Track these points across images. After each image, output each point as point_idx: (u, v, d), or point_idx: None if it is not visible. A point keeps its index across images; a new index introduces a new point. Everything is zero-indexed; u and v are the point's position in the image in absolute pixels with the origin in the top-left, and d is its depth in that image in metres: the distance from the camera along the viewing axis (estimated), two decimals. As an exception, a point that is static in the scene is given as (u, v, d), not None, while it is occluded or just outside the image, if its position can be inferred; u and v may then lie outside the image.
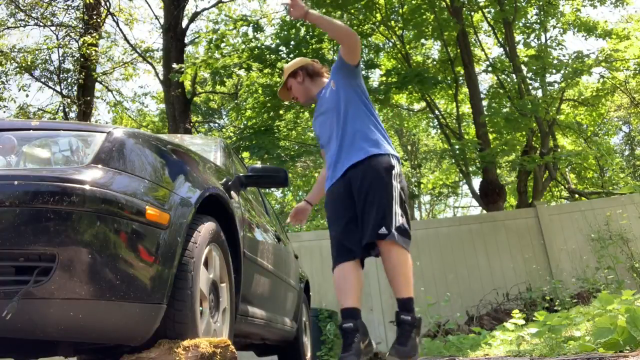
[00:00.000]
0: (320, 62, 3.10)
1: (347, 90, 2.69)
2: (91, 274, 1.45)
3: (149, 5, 15.66)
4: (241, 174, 2.82)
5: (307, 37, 8.85)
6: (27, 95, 28.09)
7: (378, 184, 2.48)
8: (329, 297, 6.66)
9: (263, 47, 8.59)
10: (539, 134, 9.34)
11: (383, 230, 2.37)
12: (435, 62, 10.56)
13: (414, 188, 17.28)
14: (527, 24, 9.90)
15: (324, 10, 9.16)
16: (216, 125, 17.14)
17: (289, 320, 3.71)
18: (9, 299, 1.38)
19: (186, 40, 11.24)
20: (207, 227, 1.96)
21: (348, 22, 9.42)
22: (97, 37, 11.40)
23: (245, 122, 9.92)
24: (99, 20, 11.94)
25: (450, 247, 6.99)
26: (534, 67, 8.61)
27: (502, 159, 11.35)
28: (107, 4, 12.14)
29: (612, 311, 2.63)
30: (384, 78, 9.44)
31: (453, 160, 9.44)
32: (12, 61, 11.59)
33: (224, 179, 2.45)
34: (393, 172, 2.53)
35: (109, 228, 1.50)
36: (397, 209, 2.46)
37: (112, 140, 1.70)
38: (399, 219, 2.44)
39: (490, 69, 9.74)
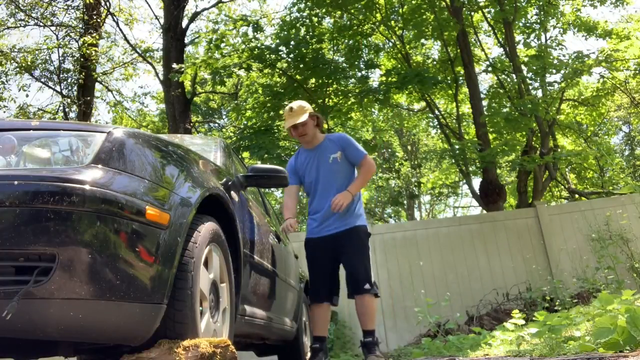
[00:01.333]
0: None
1: (349, 169, 3.51)
2: (91, 274, 1.45)
3: (149, 5, 15.67)
4: (241, 174, 2.81)
5: (307, 37, 8.85)
6: (27, 95, 28.11)
7: (362, 249, 3.37)
8: (329, 297, 6.66)
9: (263, 47, 8.58)
10: (539, 134, 9.33)
11: (367, 285, 3.29)
12: (435, 62, 10.56)
13: (414, 188, 17.30)
14: (527, 24, 9.90)
15: (323, 10, 9.17)
16: (216, 125, 17.14)
17: (289, 320, 3.71)
18: (9, 299, 1.38)
19: (186, 40, 11.24)
20: (207, 227, 1.96)
21: (348, 22, 9.42)
22: (97, 37, 11.39)
23: (245, 122, 9.91)
24: (99, 20, 11.94)
25: (450, 247, 6.99)
26: (534, 67, 8.61)
27: (502, 159, 11.34)
28: (107, 4, 12.14)
29: (612, 311, 2.63)
30: (383, 78, 9.43)
31: (453, 160, 9.43)
32: (12, 61, 11.59)
33: (224, 179, 2.45)
34: (369, 238, 3.48)
35: (109, 228, 1.50)
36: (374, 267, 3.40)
37: (112, 140, 1.70)
38: (373, 275, 3.38)
39: (490, 69, 9.73)
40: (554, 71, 8.80)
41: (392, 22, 9.66)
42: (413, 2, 9.26)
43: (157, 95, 15.36)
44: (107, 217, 1.50)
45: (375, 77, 11.36)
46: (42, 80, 12.06)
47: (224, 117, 17.46)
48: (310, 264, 3.52)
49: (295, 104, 3.54)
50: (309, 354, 4.38)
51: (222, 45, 8.71)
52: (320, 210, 3.45)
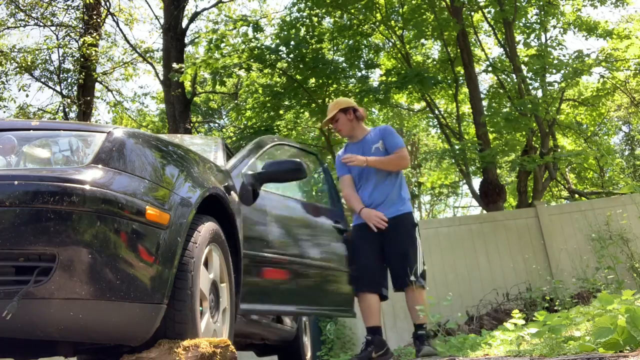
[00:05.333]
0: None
1: None
2: (91, 274, 1.45)
3: (149, 5, 15.71)
4: (252, 172, 2.73)
5: (307, 37, 8.84)
6: (27, 95, 28.16)
7: (405, 240, 3.32)
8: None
9: (263, 47, 8.58)
10: (539, 134, 9.32)
11: (412, 278, 3.23)
12: (435, 62, 10.55)
13: (414, 188, 17.29)
14: (527, 24, 9.88)
15: (323, 10, 9.17)
16: (216, 125, 17.14)
17: (289, 320, 3.71)
18: (9, 299, 1.38)
19: (186, 40, 11.24)
20: (207, 227, 1.96)
21: (348, 22, 9.42)
22: (97, 37, 11.39)
23: (245, 122, 9.91)
24: (99, 20, 11.94)
25: (450, 247, 6.98)
26: (534, 67, 8.60)
27: (502, 159, 11.34)
28: (107, 4, 12.14)
29: (612, 311, 2.63)
30: (384, 78, 9.43)
31: (453, 160, 9.43)
32: (12, 61, 11.59)
33: (226, 179, 2.45)
34: (417, 227, 3.42)
35: (109, 228, 1.50)
36: (421, 258, 3.37)
37: (112, 140, 1.70)
38: (421, 266, 3.34)
39: (490, 69, 9.72)
40: (554, 71, 8.79)
41: (392, 22, 9.65)
42: (413, 2, 9.25)
43: (157, 95, 15.36)
44: (107, 217, 1.51)
45: (375, 77, 11.34)
46: (42, 80, 12.06)
47: (224, 117, 17.46)
48: (355, 252, 3.45)
49: (332, 102, 3.65)
50: (309, 354, 4.38)
51: (222, 45, 8.70)
52: (367, 195, 3.45)
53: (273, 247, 2.78)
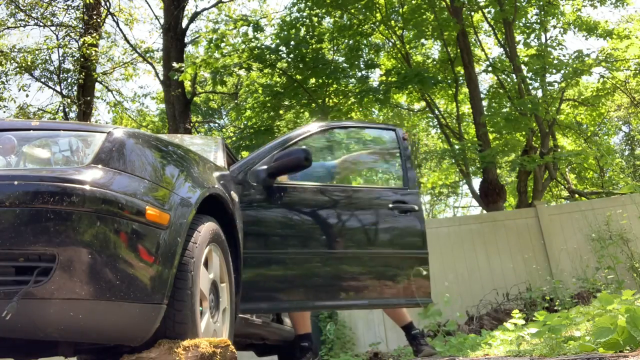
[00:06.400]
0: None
1: None
2: (91, 274, 1.45)
3: (149, 5, 15.69)
4: (261, 168, 2.70)
5: (307, 37, 8.84)
6: (27, 95, 28.11)
7: None
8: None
9: (263, 47, 8.58)
10: (539, 134, 9.32)
11: None
12: (435, 62, 10.55)
13: (414, 188, 17.26)
14: (527, 24, 9.88)
15: (323, 10, 9.17)
16: (216, 125, 17.13)
17: (289, 320, 3.71)
18: (9, 299, 1.38)
19: (186, 40, 11.23)
20: (207, 227, 1.96)
21: (348, 22, 9.41)
22: (97, 37, 11.39)
23: (245, 122, 9.91)
24: (99, 20, 11.93)
25: (450, 247, 6.98)
26: (535, 67, 8.60)
27: (502, 159, 11.34)
28: (107, 4, 12.13)
29: (612, 311, 2.63)
30: (383, 78, 9.43)
31: (453, 160, 9.43)
32: (12, 61, 11.58)
33: (225, 179, 2.45)
34: None
35: (109, 228, 1.50)
36: None
37: (112, 140, 1.70)
38: None
39: (490, 69, 9.72)
40: (554, 71, 8.79)
41: (392, 22, 9.65)
42: (413, 2, 9.25)
43: (157, 96, 15.35)
44: (107, 217, 1.50)
45: (375, 77, 11.34)
46: (42, 80, 12.05)
47: (224, 117, 17.46)
48: None
49: None
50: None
51: (222, 45, 8.71)
52: None
53: (298, 244, 2.71)
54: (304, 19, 9.11)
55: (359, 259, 2.90)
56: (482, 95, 9.48)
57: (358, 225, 3.00)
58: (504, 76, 9.70)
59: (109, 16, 12.25)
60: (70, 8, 12.00)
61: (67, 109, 11.68)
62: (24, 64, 11.52)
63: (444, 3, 9.00)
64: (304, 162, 2.62)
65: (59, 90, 11.86)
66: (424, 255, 3.26)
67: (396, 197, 3.18)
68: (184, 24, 10.99)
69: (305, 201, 2.82)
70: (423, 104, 11.45)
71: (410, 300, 3.18)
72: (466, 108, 11.00)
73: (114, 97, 13.47)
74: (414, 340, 3.29)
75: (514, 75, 9.20)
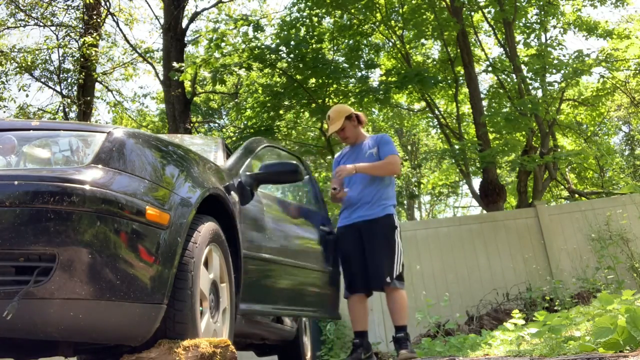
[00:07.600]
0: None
1: None
2: (91, 274, 1.45)
3: (149, 5, 15.69)
4: (249, 173, 2.72)
5: (307, 37, 8.84)
6: (27, 95, 28.17)
7: (383, 243, 3.39)
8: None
9: (263, 47, 8.58)
10: (539, 134, 9.33)
11: (388, 279, 3.30)
12: (435, 62, 10.55)
13: (414, 188, 17.29)
14: (527, 24, 9.88)
15: (323, 10, 9.17)
16: (216, 125, 17.13)
17: (289, 320, 3.71)
18: (9, 299, 1.38)
19: (186, 40, 11.23)
20: (207, 227, 1.96)
21: (348, 22, 9.42)
22: (97, 37, 11.39)
23: (245, 122, 9.91)
24: (99, 20, 11.93)
25: (450, 247, 6.98)
26: (535, 67, 8.60)
27: (502, 159, 11.33)
28: (107, 4, 12.13)
29: (612, 311, 2.63)
30: (383, 77, 9.43)
31: (453, 160, 9.43)
32: (12, 61, 11.58)
33: (225, 179, 2.45)
34: (397, 230, 3.48)
35: (109, 228, 1.50)
36: (399, 260, 3.40)
37: (112, 140, 1.70)
38: (399, 268, 3.37)
39: (490, 69, 9.72)
40: (554, 71, 8.78)
41: (392, 22, 9.65)
42: (413, 2, 9.25)
43: (157, 96, 15.36)
44: (107, 217, 1.51)
45: (375, 77, 11.35)
46: (42, 80, 12.06)
47: (224, 117, 17.46)
48: (341, 254, 3.58)
49: (332, 111, 3.72)
50: (309, 354, 4.38)
51: (222, 44, 8.70)
52: (349, 200, 3.56)
53: (267, 248, 2.75)
54: (304, 19, 9.11)
55: (295, 270, 3.06)
56: (482, 95, 9.48)
57: (298, 239, 3.22)
58: (504, 76, 9.70)
59: (109, 16, 12.25)
60: (70, 8, 12.01)
61: (67, 109, 11.68)
62: (24, 64, 11.52)
63: (444, 3, 9.00)
64: (297, 176, 2.78)
65: (59, 90, 11.87)
66: (333, 272, 3.64)
67: (321, 219, 3.64)
68: (184, 24, 10.98)
69: (271, 210, 2.94)
70: (423, 104, 11.45)
71: (320, 311, 3.53)
72: (466, 108, 11.00)
73: (114, 97, 13.48)
74: (395, 343, 3.33)
75: (514, 75, 9.19)
